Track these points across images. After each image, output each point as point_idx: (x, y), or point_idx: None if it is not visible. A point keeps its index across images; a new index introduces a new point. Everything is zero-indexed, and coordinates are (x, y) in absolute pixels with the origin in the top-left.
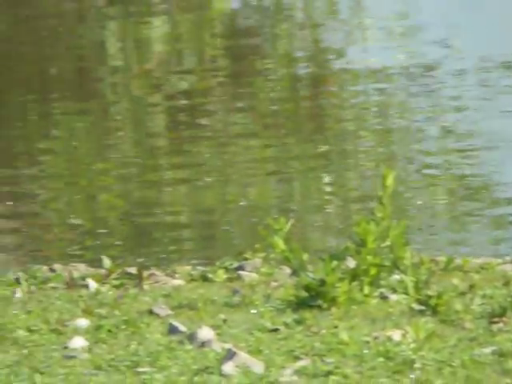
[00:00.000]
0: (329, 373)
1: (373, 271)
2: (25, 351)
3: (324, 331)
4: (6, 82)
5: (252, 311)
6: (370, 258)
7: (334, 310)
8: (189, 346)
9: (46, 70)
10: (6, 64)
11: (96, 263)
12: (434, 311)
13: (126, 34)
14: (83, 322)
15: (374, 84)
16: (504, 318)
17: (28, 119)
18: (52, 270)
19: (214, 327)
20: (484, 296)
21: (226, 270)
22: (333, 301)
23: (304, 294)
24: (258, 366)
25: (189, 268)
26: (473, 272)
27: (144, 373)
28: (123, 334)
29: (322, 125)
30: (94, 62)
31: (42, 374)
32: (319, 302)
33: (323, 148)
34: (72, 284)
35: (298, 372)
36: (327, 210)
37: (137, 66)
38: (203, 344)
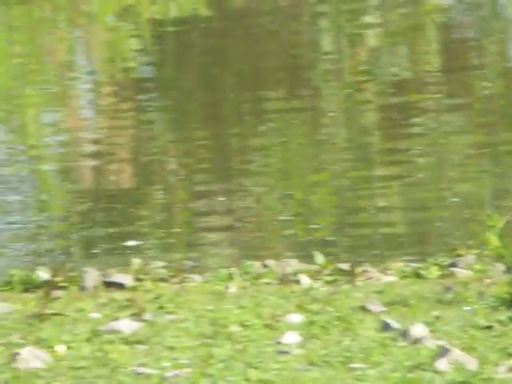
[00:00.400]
0: None
1: None
2: (238, 346)
3: None
4: (221, 80)
5: (465, 308)
6: None
7: None
8: (402, 343)
9: (260, 67)
10: (221, 61)
11: (308, 259)
12: None
13: (337, 31)
14: (296, 318)
15: None
16: None
17: (242, 117)
18: (265, 266)
19: (427, 324)
20: None
21: (439, 266)
22: None
23: None
24: (471, 363)
25: (401, 264)
26: None
27: (357, 369)
28: (336, 330)
29: None
30: (306, 59)
31: (255, 368)
32: None
33: None
34: (284, 280)
35: None
36: None
37: (349, 62)
38: (416, 341)
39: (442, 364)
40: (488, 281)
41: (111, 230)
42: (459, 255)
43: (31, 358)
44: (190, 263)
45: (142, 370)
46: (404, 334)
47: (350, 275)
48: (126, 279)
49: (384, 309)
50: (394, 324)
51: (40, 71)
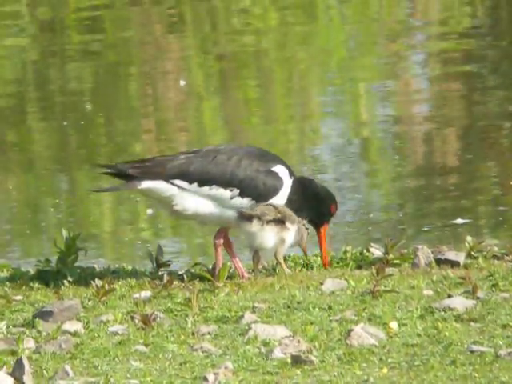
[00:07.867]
0: None
1: None
2: None
3: None
4: None
5: None
6: None
7: None
8: None
9: None
10: None
11: None
12: None
13: None
14: None
15: None
16: None
17: None
18: None
19: None
20: None
21: None
22: None
23: None
24: None
25: None
26: None
27: None
28: None
29: None
30: None
31: None
32: None
33: None
34: None
35: None
36: None
37: None
38: None
39: None
40: None
41: (442, 207)
42: None
43: (364, 334)
44: None
45: (475, 347)
46: None
47: None
48: (459, 257)
49: None
50: None
51: (370, 40)
